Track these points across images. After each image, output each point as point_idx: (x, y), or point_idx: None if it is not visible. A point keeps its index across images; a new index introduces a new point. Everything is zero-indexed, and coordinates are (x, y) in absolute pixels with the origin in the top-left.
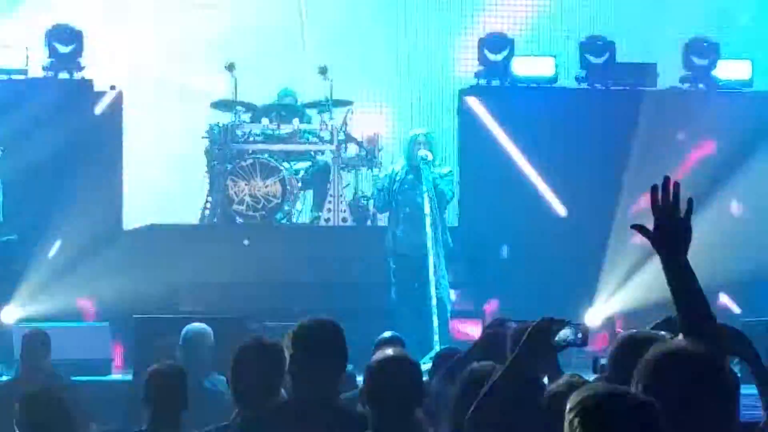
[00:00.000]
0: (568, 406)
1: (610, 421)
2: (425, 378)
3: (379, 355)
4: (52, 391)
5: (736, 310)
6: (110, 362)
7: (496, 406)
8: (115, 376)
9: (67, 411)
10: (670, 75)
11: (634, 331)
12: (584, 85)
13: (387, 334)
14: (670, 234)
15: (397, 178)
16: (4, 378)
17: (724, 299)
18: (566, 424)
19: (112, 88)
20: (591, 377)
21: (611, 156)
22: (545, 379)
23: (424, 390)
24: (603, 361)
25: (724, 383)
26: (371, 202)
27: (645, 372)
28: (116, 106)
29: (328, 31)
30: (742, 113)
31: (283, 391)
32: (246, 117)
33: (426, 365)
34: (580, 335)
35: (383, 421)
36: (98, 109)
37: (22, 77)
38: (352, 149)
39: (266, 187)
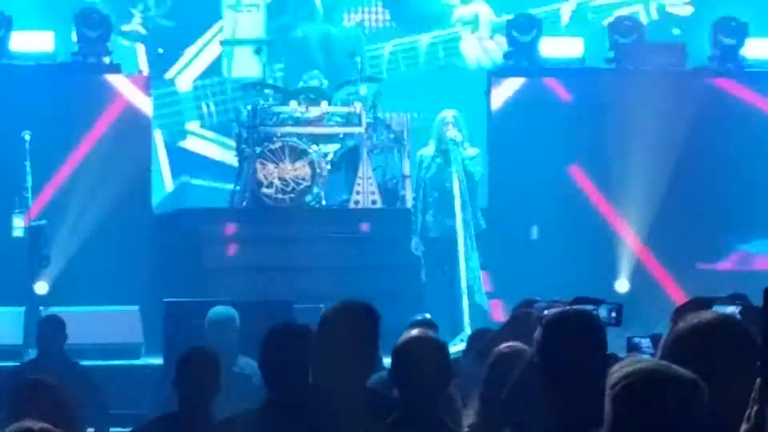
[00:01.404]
0: (612, 381)
1: (653, 398)
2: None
3: (405, 336)
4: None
5: None
6: (141, 346)
7: (531, 388)
8: (145, 359)
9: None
10: (698, 54)
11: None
12: (613, 66)
13: (419, 316)
14: None
15: (425, 163)
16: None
17: None
18: (608, 399)
19: (140, 72)
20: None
21: (640, 136)
22: None
23: (451, 371)
24: (636, 340)
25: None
26: (400, 183)
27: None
28: (144, 90)
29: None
30: None
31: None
32: (275, 100)
33: (456, 347)
34: (614, 315)
35: (411, 402)
36: (126, 94)
37: (50, 62)
38: (382, 132)
39: (295, 170)
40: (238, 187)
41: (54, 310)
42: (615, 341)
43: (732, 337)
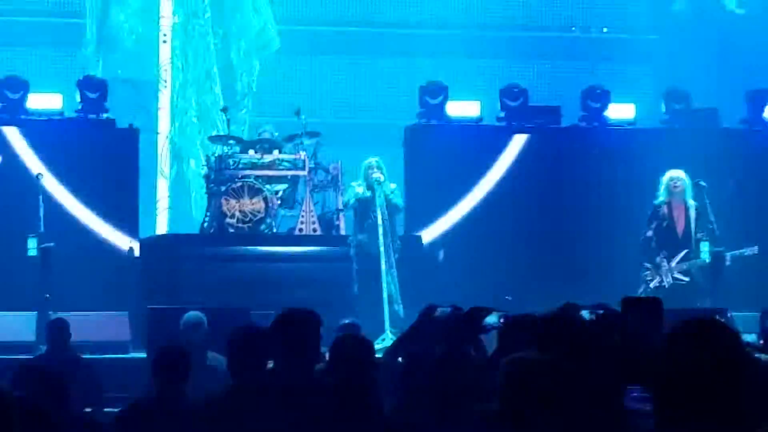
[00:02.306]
0: (501, 367)
1: (525, 379)
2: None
3: (339, 336)
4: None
5: None
6: (128, 343)
7: (437, 372)
8: (132, 354)
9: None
10: (572, 115)
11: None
12: (503, 124)
13: (347, 320)
14: None
15: (360, 197)
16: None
17: None
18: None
19: (130, 126)
20: None
21: (522, 177)
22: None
23: (374, 362)
24: None
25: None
26: (335, 215)
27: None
28: (133, 140)
29: (300, 81)
30: (628, 146)
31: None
32: (236, 149)
33: (379, 345)
34: (502, 320)
35: (345, 388)
36: (118, 143)
37: (58, 118)
38: (321, 174)
39: (252, 204)
40: (207, 218)
41: (60, 314)
42: None
43: (559, 326)
